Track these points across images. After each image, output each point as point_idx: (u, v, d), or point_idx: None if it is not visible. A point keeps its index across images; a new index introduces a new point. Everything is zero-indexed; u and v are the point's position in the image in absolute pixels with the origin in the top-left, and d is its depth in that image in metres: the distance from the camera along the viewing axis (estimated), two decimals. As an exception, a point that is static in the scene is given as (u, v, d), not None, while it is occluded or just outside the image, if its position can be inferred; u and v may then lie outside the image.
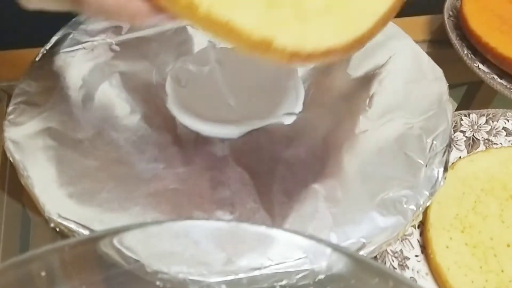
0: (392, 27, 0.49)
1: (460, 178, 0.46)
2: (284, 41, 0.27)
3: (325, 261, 0.26)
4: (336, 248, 0.26)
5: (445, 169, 0.40)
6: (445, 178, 0.40)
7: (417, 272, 0.42)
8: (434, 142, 0.40)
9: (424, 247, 0.43)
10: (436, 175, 0.39)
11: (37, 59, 0.43)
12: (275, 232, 0.28)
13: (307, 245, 0.27)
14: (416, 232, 0.44)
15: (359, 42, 0.31)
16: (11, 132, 0.39)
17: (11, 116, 0.39)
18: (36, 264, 0.25)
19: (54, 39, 0.45)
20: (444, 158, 0.40)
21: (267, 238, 0.28)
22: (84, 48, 0.45)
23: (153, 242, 0.28)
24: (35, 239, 0.53)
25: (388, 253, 0.41)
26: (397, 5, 0.33)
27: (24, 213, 0.55)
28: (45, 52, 0.44)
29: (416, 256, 0.43)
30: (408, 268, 0.41)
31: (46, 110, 0.39)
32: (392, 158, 0.39)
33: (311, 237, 0.27)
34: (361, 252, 0.35)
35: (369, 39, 0.32)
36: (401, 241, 0.43)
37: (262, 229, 0.28)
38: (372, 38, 0.32)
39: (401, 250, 0.42)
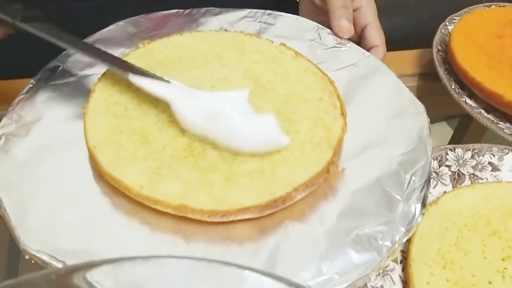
0: (374, 61, 0.49)
1: (444, 213, 0.46)
2: (201, 204, 0.36)
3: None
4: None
5: (423, 205, 0.39)
6: (423, 214, 0.39)
7: (398, 308, 0.41)
8: (413, 177, 0.40)
9: (406, 283, 0.43)
10: (413, 211, 0.39)
11: (24, 91, 0.44)
12: (246, 272, 0.28)
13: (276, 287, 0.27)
14: (398, 268, 0.44)
15: (276, 205, 0.37)
16: None
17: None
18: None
19: (43, 71, 0.46)
20: (423, 193, 0.40)
21: (237, 277, 0.28)
22: (70, 82, 0.45)
23: (124, 277, 0.28)
24: (25, 264, 0.53)
25: (368, 289, 0.41)
26: (321, 173, 0.39)
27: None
28: (32, 85, 0.45)
29: (397, 292, 0.42)
30: (388, 304, 0.41)
31: (25, 142, 0.40)
32: (369, 194, 0.39)
33: (280, 278, 0.27)
34: (335, 289, 0.34)
35: (285, 202, 0.37)
36: (382, 276, 0.42)
37: (233, 268, 0.28)
38: (291, 201, 0.38)
39: (381, 286, 0.42)
